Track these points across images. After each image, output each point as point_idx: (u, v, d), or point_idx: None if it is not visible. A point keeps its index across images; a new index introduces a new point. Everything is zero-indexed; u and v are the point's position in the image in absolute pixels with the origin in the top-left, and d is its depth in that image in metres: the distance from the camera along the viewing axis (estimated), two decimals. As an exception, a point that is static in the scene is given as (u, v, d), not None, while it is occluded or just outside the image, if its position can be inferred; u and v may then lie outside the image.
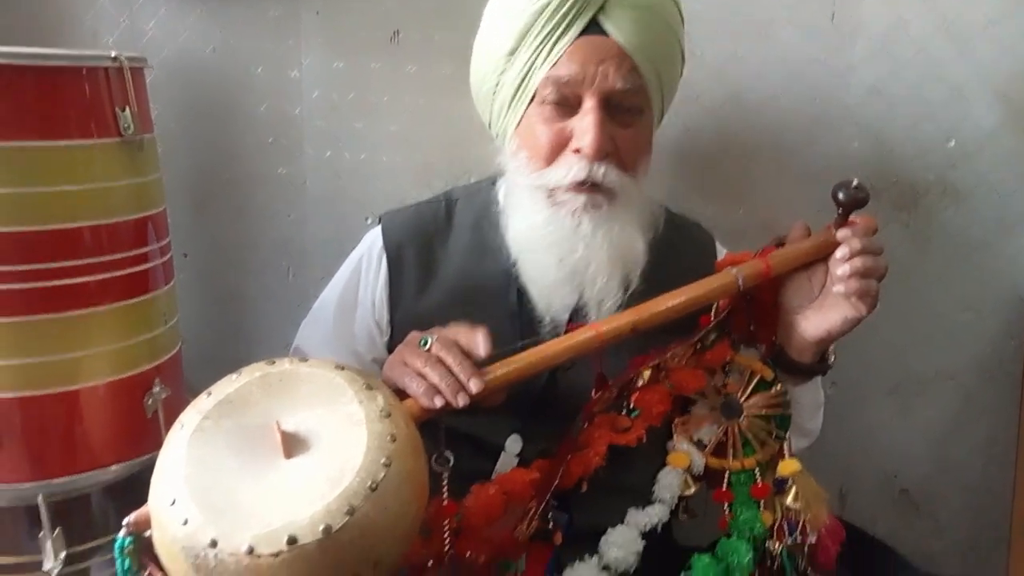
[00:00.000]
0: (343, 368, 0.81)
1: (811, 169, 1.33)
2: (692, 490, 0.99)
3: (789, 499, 0.99)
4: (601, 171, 0.94)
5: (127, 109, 0.86)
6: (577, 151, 0.94)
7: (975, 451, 1.42)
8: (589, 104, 0.94)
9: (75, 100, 0.83)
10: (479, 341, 0.85)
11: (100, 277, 0.87)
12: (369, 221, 1.40)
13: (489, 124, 1.07)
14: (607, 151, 0.94)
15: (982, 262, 1.34)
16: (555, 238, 0.97)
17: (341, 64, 1.35)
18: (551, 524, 0.92)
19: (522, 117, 0.99)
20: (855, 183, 0.95)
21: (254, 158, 1.39)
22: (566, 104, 0.95)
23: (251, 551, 0.67)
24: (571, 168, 0.95)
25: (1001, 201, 1.32)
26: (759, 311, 1.01)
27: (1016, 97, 1.27)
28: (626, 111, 0.96)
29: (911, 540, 1.45)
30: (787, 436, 1.01)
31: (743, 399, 1.00)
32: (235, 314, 1.45)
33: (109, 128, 0.85)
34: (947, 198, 1.33)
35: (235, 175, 1.39)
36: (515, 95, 0.99)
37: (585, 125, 0.93)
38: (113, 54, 0.85)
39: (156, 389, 0.93)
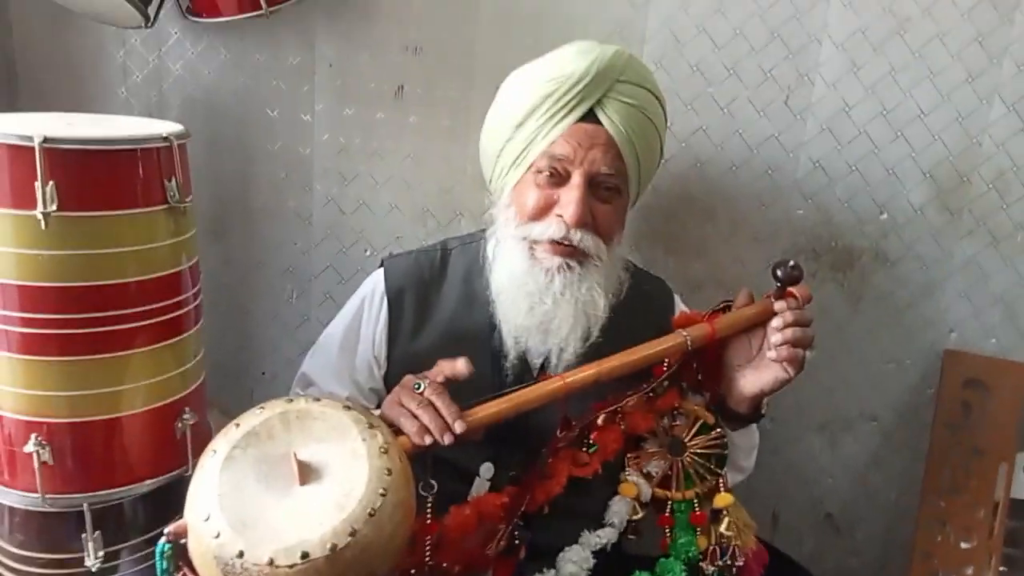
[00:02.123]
0: (350, 408, 0.95)
1: (762, 231, 1.49)
2: (639, 515, 1.14)
3: (723, 527, 1.14)
4: (578, 236, 1.09)
5: (173, 179, 0.99)
6: (560, 216, 1.09)
7: (890, 482, 1.58)
8: (576, 180, 1.08)
9: (131, 175, 0.96)
10: (461, 365, 1.01)
11: (142, 324, 0.99)
12: (368, 253, 1.54)
13: (490, 181, 1.21)
14: (585, 221, 1.09)
15: (906, 320, 1.50)
16: (529, 289, 1.11)
17: (350, 111, 1.48)
18: (517, 541, 1.06)
19: (519, 180, 1.13)
20: (791, 263, 1.09)
21: (267, 191, 1.52)
22: (557, 176, 1.10)
23: (271, 562, 0.82)
24: (551, 227, 1.09)
25: (925, 268, 1.48)
26: (705, 365, 1.16)
27: (941, 179, 1.43)
28: (606, 190, 1.11)
29: (832, 557, 1.62)
30: (724, 472, 1.16)
31: (687, 439, 1.15)
32: (243, 328, 1.59)
33: (157, 197, 0.98)
34: (878, 262, 1.48)
35: (250, 205, 1.53)
36: (515, 161, 1.13)
37: (570, 197, 1.08)
38: (165, 133, 0.98)
39: (186, 415, 1.07)
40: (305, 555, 0.82)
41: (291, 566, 0.82)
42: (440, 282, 1.21)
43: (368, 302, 1.22)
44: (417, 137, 1.49)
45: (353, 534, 0.84)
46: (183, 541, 0.90)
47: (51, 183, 0.90)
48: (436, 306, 1.20)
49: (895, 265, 1.48)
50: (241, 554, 0.83)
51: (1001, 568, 1.40)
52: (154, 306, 1.00)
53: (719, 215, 1.49)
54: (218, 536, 0.84)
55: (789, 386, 1.10)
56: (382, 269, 1.23)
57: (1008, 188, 1.42)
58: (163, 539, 0.89)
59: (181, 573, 0.90)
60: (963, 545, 1.41)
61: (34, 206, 0.90)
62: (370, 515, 0.85)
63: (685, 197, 1.48)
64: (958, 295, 1.48)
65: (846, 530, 1.63)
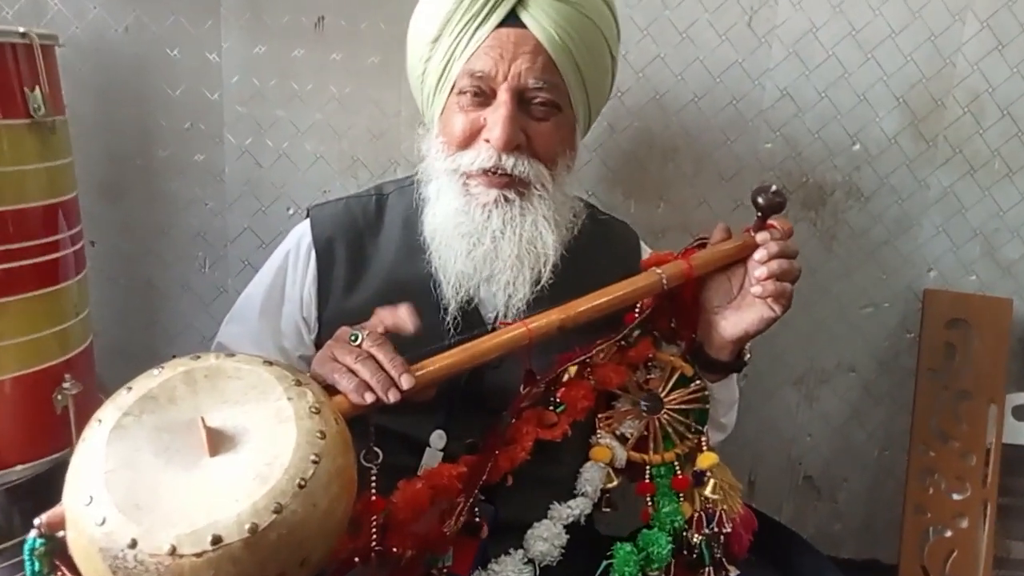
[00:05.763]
0: (272, 364, 0.79)
1: (727, 169, 1.39)
2: (614, 483, 1.01)
3: (708, 490, 1.02)
4: (511, 162, 0.96)
5: (37, 89, 0.82)
6: (487, 141, 0.96)
7: (872, 438, 1.51)
8: (502, 97, 0.95)
9: (-22, 77, 0.78)
10: (405, 317, 0.86)
11: (7, 266, 0.83)
12: (291, 212, 1.38)
13: (423, 113, 1.07)
14: (517, 143, 0.96)
15: (882, 259, 1.43)
16: (466, 229, 0.98)
17: (263, 49, 1.32)
18: (477, 518, 0.93)
19: (444, 106, 1.00)
20: (773, 188, 0.98)
21: (170, 144, 1.35)
22: (482, 95, 0.96)
23: (173, 551, 0.65)
24: (480, 155, 0.96)
25: (900, 202, 1.40)
26: (681, 309, 1.04)
27: (915, 104, 1.36)
28: (541, 105, 0.97)
29: (813, 523, 1.54)
30: (705, 430, 1.05)
31: (664, 394, 1.03)
32: (147, 306, 1.41)
33: (17, 108, 0.81)
34: (851, 198, 1.40)
35: (149, 161, 1.35)
36: (438, 83, 1.00)
37: (496, 118, 0.95)
38: (22, 29, 0.81)
39: (66, 384, 0.89)
40: (217, 540, 0.66)
41: (199, 555, 0.66)
42: (376, 230, 1.07)
43: (293, 256, 1.07)
44: (342, 77, 1.34)
45: (279, 511, 0.68)
46: (60, 534, 0.73)
47: None
48: (372, 257, 1.05)
49: (869, 200, 1.40)
50: (134, 543, 0.66)
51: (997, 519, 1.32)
52: (21, 245, 0.83)
53: (681, 153, 1.38)
54: (104, 523, 0.67)
55: (761, 337, 1.01)
56: (308, 219, 1.08)
57: (983, 111, 1.35)
58: (33, 532, 0.73)
59: (59, 574, 0.73)
60: (955, 496, 1.33)
61: None
62: (300, 486, 0.70)
63: (644, 134, 1.37)
64: (935, 229, 1.41)
65: (827, 493, 1.54)
